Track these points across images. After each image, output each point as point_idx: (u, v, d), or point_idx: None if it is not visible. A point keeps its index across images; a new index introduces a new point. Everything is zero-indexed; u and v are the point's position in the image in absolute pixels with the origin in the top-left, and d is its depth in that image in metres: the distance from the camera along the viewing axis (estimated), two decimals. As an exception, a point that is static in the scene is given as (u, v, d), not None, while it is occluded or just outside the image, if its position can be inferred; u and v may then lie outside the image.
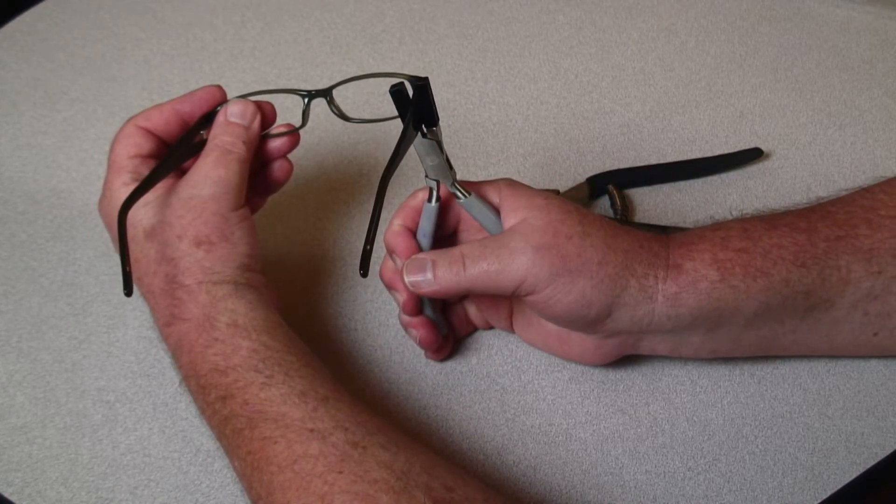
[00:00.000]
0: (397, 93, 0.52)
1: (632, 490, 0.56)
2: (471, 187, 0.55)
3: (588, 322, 0.53)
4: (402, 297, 0.57)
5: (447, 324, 0.61)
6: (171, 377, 0.61)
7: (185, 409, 0.60)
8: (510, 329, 0.61)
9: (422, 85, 0.51)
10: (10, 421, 0.60)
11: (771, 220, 0.55)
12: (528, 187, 0.55)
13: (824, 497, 0.55)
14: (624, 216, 0.68)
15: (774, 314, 0.54)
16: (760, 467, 0.57)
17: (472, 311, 0.62)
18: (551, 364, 0.61)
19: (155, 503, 0.56)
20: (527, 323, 0.59)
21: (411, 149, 0.53)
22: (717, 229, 0.54)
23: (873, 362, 0.61)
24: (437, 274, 0.54)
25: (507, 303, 0.60)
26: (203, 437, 0.59)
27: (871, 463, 0.57)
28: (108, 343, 0.64)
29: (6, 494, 0.57)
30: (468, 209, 0.55)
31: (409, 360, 0.62)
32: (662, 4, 0.86)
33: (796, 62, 0.80)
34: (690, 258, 0.53)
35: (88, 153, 0.76)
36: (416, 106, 0.52)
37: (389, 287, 0.58)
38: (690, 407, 0.59)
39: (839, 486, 0.56)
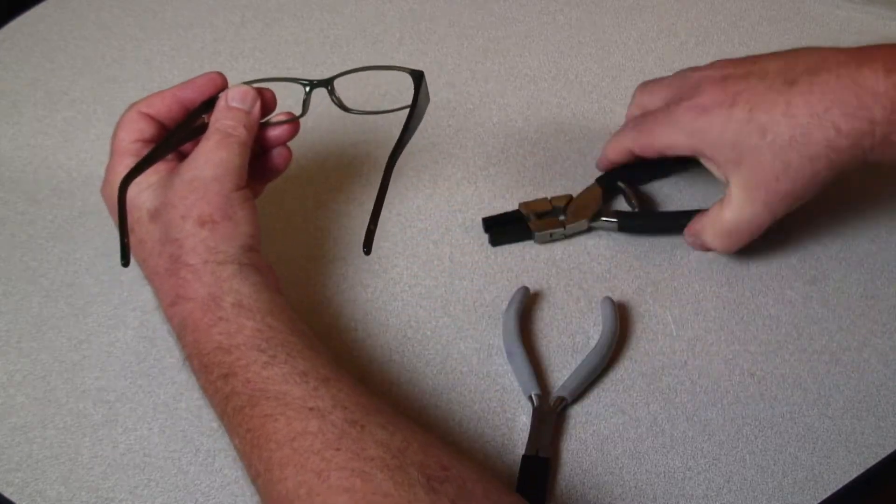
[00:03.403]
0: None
1: (632, 490, 0.56)
2: None
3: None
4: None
5: None
6: (172, 377, 0.61)
7: (186, 409, 0.60)
8: None
9: (419, 76, 0.57)
10: (10, 421, 0.60)
11: None
12: (711, 132, 0.59)
13: (824, 497, 0.55)
14: (643, 209, 0.68)
15: None
16: (760, 467, 0.57)
17: None
18: (550, 363, 0.62)
19: (155, 503, 0.56)
20: None
21: (417, 135, 0.55)
22: None
23: (873, 362, 0.61)
24: (706, 241, 0.63)
25: None
26: (203, 437, 0.59)
27: (871, 463, 0.57)
28: (108, 343, 0.64)
29: (6, 494, 0.57)
30: None
31: (408, 361, 0.62)
32: (662, 4, 0.86)
33: (796, 62, 0.80)
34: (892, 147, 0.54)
35: (89, 153, 0.76)
36: (416, 98, 0.57)
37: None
38: (690, 407, 0.59)
39: (839, 486, 0.56)
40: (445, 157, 0.74)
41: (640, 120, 0.65)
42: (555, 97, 0.79)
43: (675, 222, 0.66)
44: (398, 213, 0.70)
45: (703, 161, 0.62)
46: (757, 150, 0.57)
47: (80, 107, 0.79)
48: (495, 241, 0.68)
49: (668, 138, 0.62)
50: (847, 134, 0.55)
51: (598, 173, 0.71)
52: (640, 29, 0.84)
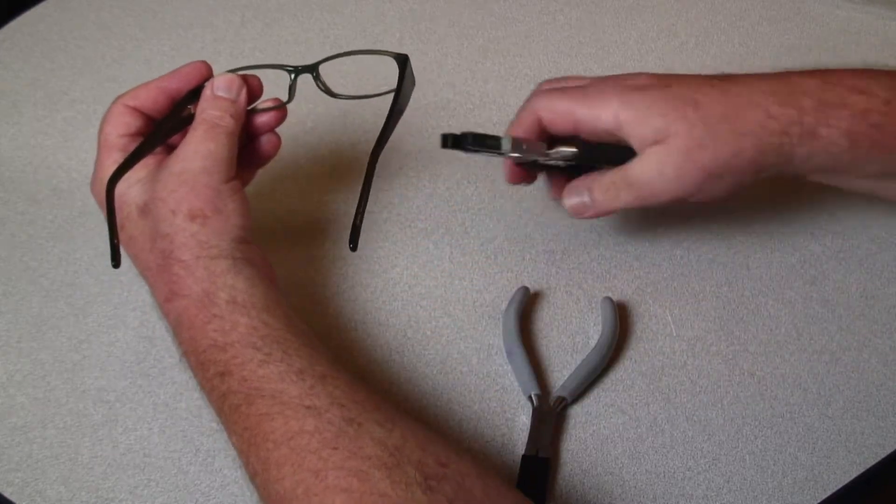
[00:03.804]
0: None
1: (632, 490, 0.56)
2: (576, 120, 0.57)
3: (742, 190, 0.57)
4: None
5: None
6: (172, 377, 0.61)
7: (185, 408, 0.60)
8: None
9: (403, 60, 0.56)
10: (10, 421, 0.60)
11: None
12: (643, 102, 0.56)
13: (824, 497, 0.55)
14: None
15: (886, 177, 0.57)
16: (760, 467, 0.57)
17: None
18: (550, 363, 0.62)
19: (155, 503, 0.56)
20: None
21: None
22: (862, 92, 0.55)
23: (873, 362, 0.61)
24: (594, 199, 0.58)
25: None
26: (203, 437, 0.59)
27: (871, 463, 0.57)
28: (108, 343, 0.64)
29: (6, 494, 0.57)
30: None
31: (408, 361, 0.62)
32: (662, 4, 0.86)
33: (796, 63, 0.79)
34: (826, 125, 0.54)
35: (89, 153, 0.75)
36: (401, 83, 0.56)
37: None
38: (690, 407, 0.59)
39: (839, 486, 0.56)
40: (445, 157, 0.74)
41: (558, 88, 0.60)
42: (555, 97, 0.78)
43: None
44: (398, 212, 0.70)
45: (621, 135, 0.57)
46: (686, 120, 0.55)
47: (80, 107, 0.79)
48: (464, 145, 0.58)
49: (594, 107, 0.57)
50: (778, 118, 0.55)
51: None
52: (640, 29, 0.84)
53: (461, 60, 0.82)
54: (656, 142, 0.55)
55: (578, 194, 0.59)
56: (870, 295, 0.64)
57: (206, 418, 0.59)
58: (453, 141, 0.57)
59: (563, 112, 0.58)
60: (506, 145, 0.57)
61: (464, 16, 0.86)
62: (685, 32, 0.83)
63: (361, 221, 0.52)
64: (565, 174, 0.61)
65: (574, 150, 0.59)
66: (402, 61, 0.59)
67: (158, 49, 0.84)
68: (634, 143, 0.56)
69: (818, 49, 0.81)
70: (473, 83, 0.80)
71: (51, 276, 0.67)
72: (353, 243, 0.53)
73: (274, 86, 0.61)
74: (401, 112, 0.56)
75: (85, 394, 0.61)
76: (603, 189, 0.58)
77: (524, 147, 0.58)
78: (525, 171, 0.63)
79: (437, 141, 0.57)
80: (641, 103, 0.56)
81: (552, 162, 0.60)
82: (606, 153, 0.59)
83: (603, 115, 0.56)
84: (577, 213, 0.59)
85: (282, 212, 0.71)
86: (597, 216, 0.59)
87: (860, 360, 0.61)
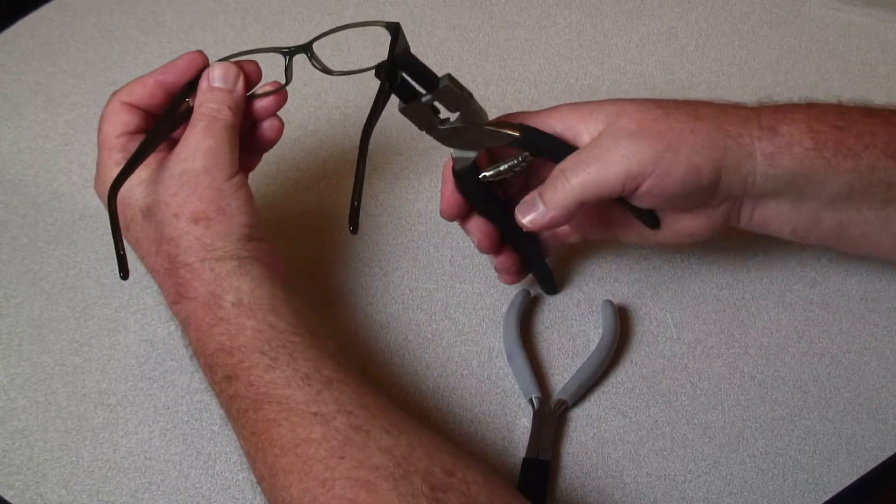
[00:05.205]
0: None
1: (632, 493, 0.56)
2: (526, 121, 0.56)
3: (702, 190, 0.54)
4: (476, 237, 0.60)
5: (540, 243, 0.62)
6: (173, 380, 0.62)
7: (186, 412, 0.60)
8: (612, 237, 0.61)
9: (395, 28, 0.54)
10: (11, 424, 0.60)
11: (868, 109, 0.56)
12: (592, 105, 0.56)
13: (825, 499, 0.55)
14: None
15: (855, 199, 0.54)
16: (761, 470, 0.57)
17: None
18: (551, 366, 0.62)
19: (156, 506, 0.57)
20: (628, 224, 0.59)
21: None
22: (812, 106, 0.55)
23: (874, 364, 0.61)
24: (546, 200, 0.54)
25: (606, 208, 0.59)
26: (204, 441, 0.59)
27: (871, 465, 0.57)
28: (109, 346, 0.64)
29: (7, 497, 0.57)
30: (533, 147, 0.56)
31: (409, 364, 0.62)
32: (663, 7, 0.86)
33: (797, 65, 0.80)
34: (786, 123, 0.54)
35: (90, 157, 0.75)
36: (393, 51, 0.53)
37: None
38: (691, 409, 0.59)
39: (840, 489, 0.56)
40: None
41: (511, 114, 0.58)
42: (555, 101, 0.78)
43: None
44: (399, 216, 0.70)
45: (570, 136, 0.55)
46: (640, 103, 0.54)
47: (81, 110, 0.79)
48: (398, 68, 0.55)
49: (543, 115, 0.56)
50: (734, 115, 0.54)
51: None
52: (640, 32, 0.84)
53: (462, 64, 0.82)
54: (608, 125, 0.54)
55: (530, 203, 0.56)
56: (870, 297, 0.64)
57: (207, 421, 0.59)
58: (386, 70, 0.53)
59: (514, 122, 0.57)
60: (443, 82, 0.54)
61: (464, 19, 0.86)
62: (686, 35, 0.83)
63: (360, 203, 0.50)
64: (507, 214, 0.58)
65: (515, 133, 0.55)
66: (394, 29, 0.56)
67: (159, 52, 0.84)
68: (585, 139, 0.55)
69: (818, 52, 0.81)
70: (474, 86, 0.79)
71: (52, 280, 0.67)
72: (353, 225, 0.50)
73: (271, 71, 0.61)
74: (393, 87, 0.54)
75: (86, 397, 0.61)
76: (552, 182, 0.54)
77: (459, 92, 0.54)
78: (464, 201, 0.59)
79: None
80: (589, 105, 0.56)
81: (497, 173, 0.57)
82: (552, 143, 0.56)
83: (551, 121, 0.56)
84: (534, 223, 0.55)
85: (281, 215, 0.71)
86: (552, 222, 0.55)
87: (860, 362, 0.61)
